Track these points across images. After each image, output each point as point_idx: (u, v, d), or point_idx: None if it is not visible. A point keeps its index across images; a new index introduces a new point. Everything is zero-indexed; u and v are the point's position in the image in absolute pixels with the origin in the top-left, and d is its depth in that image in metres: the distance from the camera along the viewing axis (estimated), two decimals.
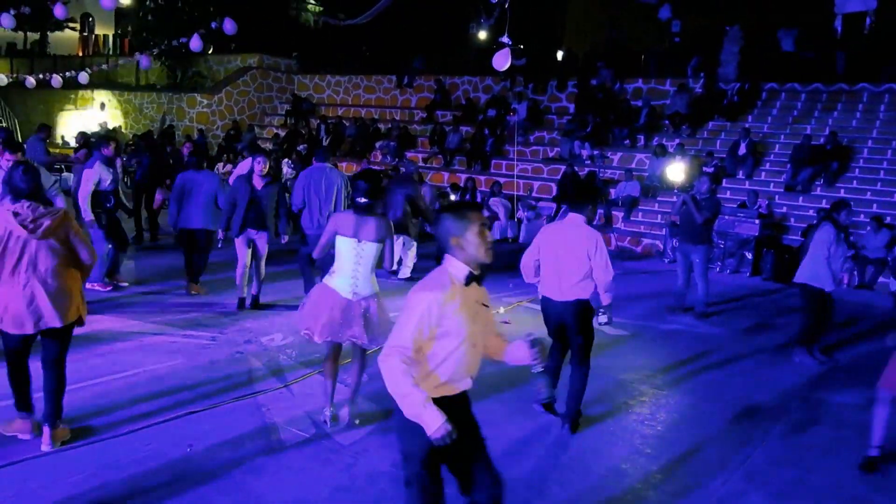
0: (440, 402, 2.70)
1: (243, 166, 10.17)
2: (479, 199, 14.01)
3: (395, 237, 5.13)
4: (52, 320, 4.07)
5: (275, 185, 7.48)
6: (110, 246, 7.92)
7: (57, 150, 14.36)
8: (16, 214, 4.00)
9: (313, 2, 28.58)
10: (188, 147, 11.73)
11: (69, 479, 3.85)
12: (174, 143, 14.33)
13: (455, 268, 2.80)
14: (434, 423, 2.60)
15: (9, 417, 4.34)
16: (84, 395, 4.93)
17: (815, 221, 10.89)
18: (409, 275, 9.31)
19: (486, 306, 2.96)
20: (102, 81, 23.92)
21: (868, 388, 4.92)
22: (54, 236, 4.09)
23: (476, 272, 2.83)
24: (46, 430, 4.18)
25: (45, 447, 4.16)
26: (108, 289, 7.92)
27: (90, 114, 23.76)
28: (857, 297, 10.00)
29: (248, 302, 7.54)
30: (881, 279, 10.60)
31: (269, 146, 19.29)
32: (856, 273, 10.83)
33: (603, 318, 5.18)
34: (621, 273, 10.98)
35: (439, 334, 2.72)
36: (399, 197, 9.01)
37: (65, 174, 14.19)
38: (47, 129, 12.20)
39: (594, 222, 4.94)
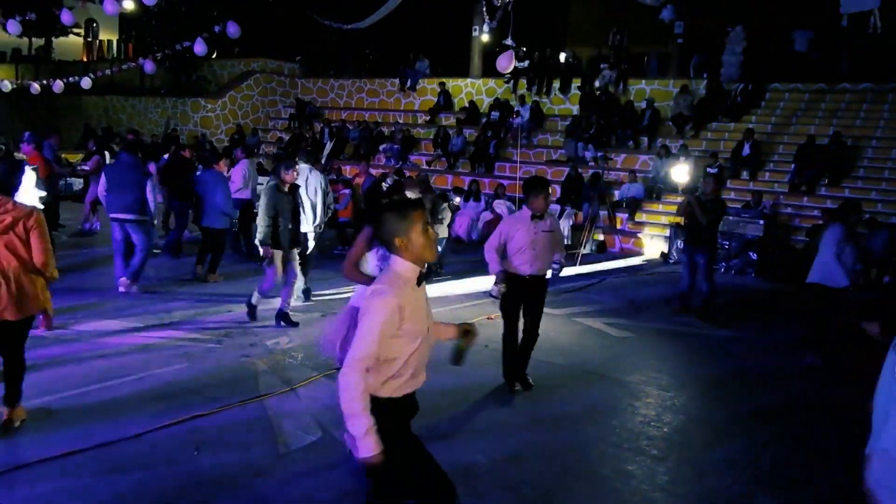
0: (405, 401, 2.77)
1: (240, 169, 10.24)
2: (482, 202, 14.02)
3: None
4: (7, 313, 4.22)
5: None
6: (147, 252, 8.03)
7: (63, 156, 14.37)
8: None
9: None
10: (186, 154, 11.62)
11: (77, 483, 3.87)
12: (179, 147, 14.35)
13: (404, 268, 2.74)
14: (372, 450, 2.58)
15: None
16: (90, 398, 4.95)
17: (820, 222, 10.89)
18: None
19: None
20: (106, 86, 23.99)
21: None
22: (15, 232, 4.20)
23: (424, 271, 2.79)
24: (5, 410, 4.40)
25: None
26: (134, 290, 7.96)
27: (94, 119, 23.83)
28: (860, 297, 9.97)
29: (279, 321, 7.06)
30: (886, 279, 10.57)
31: (272, 150, 19.33)
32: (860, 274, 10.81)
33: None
34: (626, 276, 11.02)
35: (401, 336, 2.68)
36: None
37: (70, 179, 14.24)
38: (57, 136, 12.07)
39: (539, 212, 5.35)
